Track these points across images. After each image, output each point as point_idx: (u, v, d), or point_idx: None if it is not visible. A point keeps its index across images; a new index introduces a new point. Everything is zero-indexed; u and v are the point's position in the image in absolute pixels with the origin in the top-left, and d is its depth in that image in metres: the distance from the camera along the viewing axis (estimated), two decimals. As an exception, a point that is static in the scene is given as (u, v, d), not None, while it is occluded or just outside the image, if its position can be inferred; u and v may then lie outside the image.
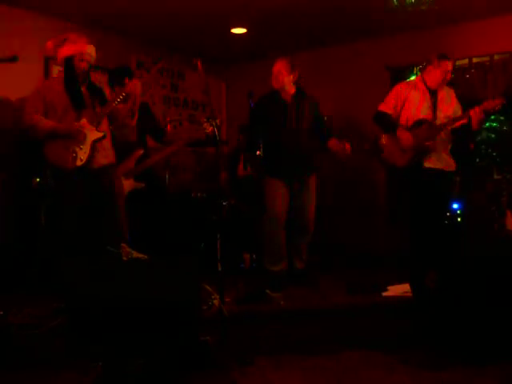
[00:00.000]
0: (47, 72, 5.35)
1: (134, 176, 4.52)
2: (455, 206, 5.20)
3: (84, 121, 3.81)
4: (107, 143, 3.94)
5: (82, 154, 3.77)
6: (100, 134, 3.84)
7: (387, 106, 4.49)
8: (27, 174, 4.59)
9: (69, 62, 3.81)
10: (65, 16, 5.30)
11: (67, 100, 3.83)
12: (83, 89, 3.88)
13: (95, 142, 3.82)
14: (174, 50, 6.47)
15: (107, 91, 4.05)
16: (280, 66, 4.33)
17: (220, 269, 3.38)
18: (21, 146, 4.67)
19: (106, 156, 3.92)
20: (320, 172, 4.57)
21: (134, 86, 3.89)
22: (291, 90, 4.36)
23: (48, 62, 5.35)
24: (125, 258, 3.38)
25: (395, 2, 4.79)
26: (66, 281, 2.80)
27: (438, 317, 3.02)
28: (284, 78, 4.31)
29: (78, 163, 3.76)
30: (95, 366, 2.56)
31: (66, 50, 3.81)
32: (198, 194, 5.56)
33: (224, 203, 3.83)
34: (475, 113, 4.19)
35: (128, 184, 4.46)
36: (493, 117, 5.44)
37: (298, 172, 4.34)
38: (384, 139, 4.54)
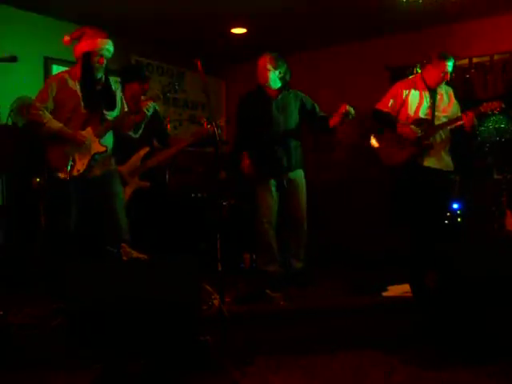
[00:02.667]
0: (47, 72, 5.35)
1: (139, 175, 4.51)
2: (455, 205, 5.20)
3: (89, 130, 3.75)
4: (107, 153, 3.87)
5: (80, 166, 3.72)
6: (102, 149, 3.77)
7: (384, 105, 4.49)
8: (27, 173, 4.58)
9: (86, 58, 3.71)
10: (65, 16, 5.30)
11: (79, 99, 3.75)
12: (97, 88, 3.81)
13: (96, 154, 3.77)
14: (174, 49, 6.48)
15: (117, 95, 3.98)
16: (265, 61, 4.28)
17: (220, 269, 3.37)
18: (21, 146, 4.67)
19: (103, 166, 3.85)
20: (317, 171, 4.54)
21: (149, 105, 3.82)
22: (276, 85, 4.32)
23: (48, 61, 5.36)
24: (125, 258, 3.38)
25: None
26: (65, 281, 2.80)
27: (438, 317, 3.02)
28: (269, 73, 4.27)
29: (74, 173, 3.71)
30: (95, 366, 2.56)
31: (83, 46, 3.71)
32: (198, 194, 5.56)
33: (224, 203, 3.83)
34: (467, 117, 4.20)
35: (132, 183, 4.46)
36: (494, 117, 5.44)
37: (285, 169, 4.30)
38: (377, 140, 4.54)
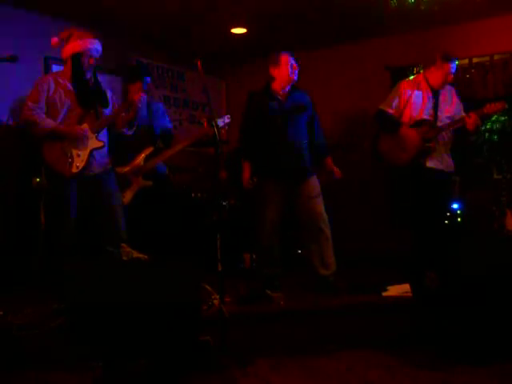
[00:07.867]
0: (47, 72, 5.35)
1: (143, 175, 4.52)
2: (455, 205, 5.20)
3: (85, 126, 3.77)
4: (104, 151, 3.89)
5: (79, 162, 3.72)
6: (100, 144, 3.79)
7: (389, 105, 4.46)
8: (27, 173, 4.59)
9: (76, 59, 3.74)
10: (65, 16, 5.30)
11: (72, 98, 3.77)
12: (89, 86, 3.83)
13: (93, 150, 3.77)
14: (174, 49, 6.48)
15: (109, 93, 4.00)
16: (292, 58, 4.15)
17: (220, 269, 3.37)
18: (21, 146, 4.67)
19: (101, 164, 3.86)
20: (316, 172, 4.44)
21: (139, 98, 3.85)
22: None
23: (48, 61, 5.36)
24: (125, 258, 3.38)
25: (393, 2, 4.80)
26: (66, 281, 2.80)
27: (438, 317, 3.02)
28: (297, 71, 4.16)
29: (74, 170, 3.71)
30: (95, 366, 2.56)
31: (72, 47, 3.73)
32: (198, 194, 5.55)
33: (224, 203, 3.81)
34: (470, 119, 4.18)
35: (136, 182, 4.46)
36: (495, 117, 5.43)
37: (294, 172, 4.15)
38: (383, 140, 4.53)
